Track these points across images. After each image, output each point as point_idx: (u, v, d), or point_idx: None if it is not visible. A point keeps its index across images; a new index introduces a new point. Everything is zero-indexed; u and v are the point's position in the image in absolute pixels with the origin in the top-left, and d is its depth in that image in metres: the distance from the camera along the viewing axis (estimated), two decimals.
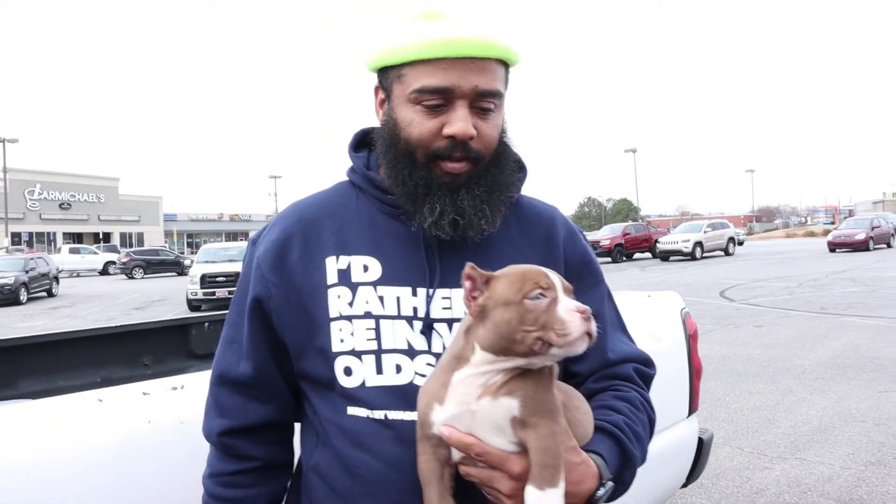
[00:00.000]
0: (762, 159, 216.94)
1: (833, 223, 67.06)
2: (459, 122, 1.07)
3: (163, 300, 20.38)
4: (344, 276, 1.12)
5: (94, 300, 21.80)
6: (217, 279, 17.20)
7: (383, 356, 1.08)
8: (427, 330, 1.10)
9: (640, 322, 2.52)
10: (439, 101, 1.07)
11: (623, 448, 1.08)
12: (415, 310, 1.10)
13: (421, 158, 1.10)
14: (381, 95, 1.17)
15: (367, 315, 1.10)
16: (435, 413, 0.96)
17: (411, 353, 1.09)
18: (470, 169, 1.10)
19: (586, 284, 1.21)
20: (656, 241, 32.16)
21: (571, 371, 1.18)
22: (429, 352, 1.09)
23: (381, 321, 1.10)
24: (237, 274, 17.01)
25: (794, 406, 5.65)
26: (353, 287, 1.11)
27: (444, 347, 1.07)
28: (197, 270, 17.64)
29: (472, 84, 1.07)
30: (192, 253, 52.53)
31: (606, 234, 32.67)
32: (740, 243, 40.54)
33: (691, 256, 29.57)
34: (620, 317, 1.29)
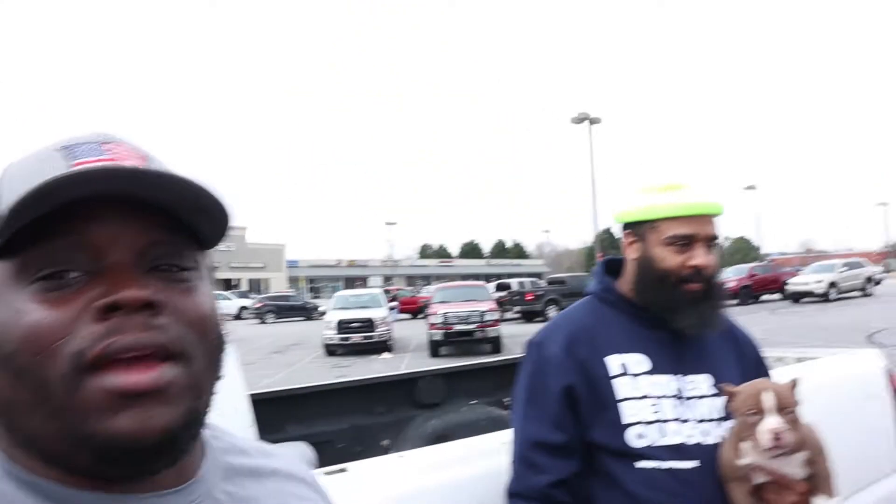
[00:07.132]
0: (894, 191, 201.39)
1: None
2: (702, 258, 1.57)
3: (297, 344, 21.45)
4: (624, 368, 1.57)
5: (234, 344, 23.19)
6: (352, 325, 17.88)
7: (664, 425, 1.52)
8: (686, 404, 1.55)
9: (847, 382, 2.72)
10: (685, 243, 1.57)
11: None
12: (678, 390, 1.55)
13: (671, 282, 1.58)
14: (631, 239, 1.65)
15: (646, 396, 1.54)
16: (740, 461, 1.41)
17: (681, 421, 1.52)
18: (702, 287, 1.58)
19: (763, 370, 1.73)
20: (785, 281, 30.74)
21: None
22: (692, 420, 1.53)
23: (658, 399, 1.54)
24: (370, 320, 17.93)
25: None
26: (634, 376, 1.56)
27: (700, 416, 1.53)
28: (333, 316, 18.36)
29: (707, 232, 1.59)
30: (313, 298, 54.30)
31: (732, 276, 31.48)
32: (878, 282, 37.79)
33: (824, 297, 28.00)
34: None
